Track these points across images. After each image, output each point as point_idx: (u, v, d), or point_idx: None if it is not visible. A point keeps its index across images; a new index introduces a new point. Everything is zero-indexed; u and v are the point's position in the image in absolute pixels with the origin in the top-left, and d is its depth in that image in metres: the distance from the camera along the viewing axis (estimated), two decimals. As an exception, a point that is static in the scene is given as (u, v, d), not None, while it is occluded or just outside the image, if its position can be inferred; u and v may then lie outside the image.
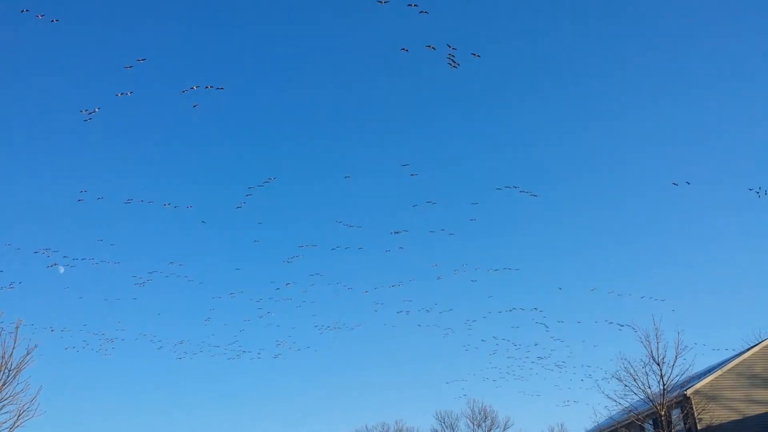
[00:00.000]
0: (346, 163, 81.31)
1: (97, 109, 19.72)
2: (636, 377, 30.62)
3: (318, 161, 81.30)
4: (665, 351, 30.25)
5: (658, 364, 30.17)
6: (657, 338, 30.42)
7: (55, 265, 26.81)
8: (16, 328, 24.74)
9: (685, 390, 29.82)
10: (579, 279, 78.41)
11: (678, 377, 30.30)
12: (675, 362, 29.85)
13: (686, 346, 30.49)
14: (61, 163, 75.90)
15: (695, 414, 29.23)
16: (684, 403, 29.90)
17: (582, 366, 59.60)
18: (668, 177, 75.71)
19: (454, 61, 16.06)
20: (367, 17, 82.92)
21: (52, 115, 67.37)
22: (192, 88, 19.58)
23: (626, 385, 30.93)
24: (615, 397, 31.71)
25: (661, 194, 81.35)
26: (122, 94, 19.69)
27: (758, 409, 30.04)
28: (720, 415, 29.44)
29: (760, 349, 31.83)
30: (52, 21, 18.07)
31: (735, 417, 29.66)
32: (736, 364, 31.22)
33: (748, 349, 32.32)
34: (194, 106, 21.69)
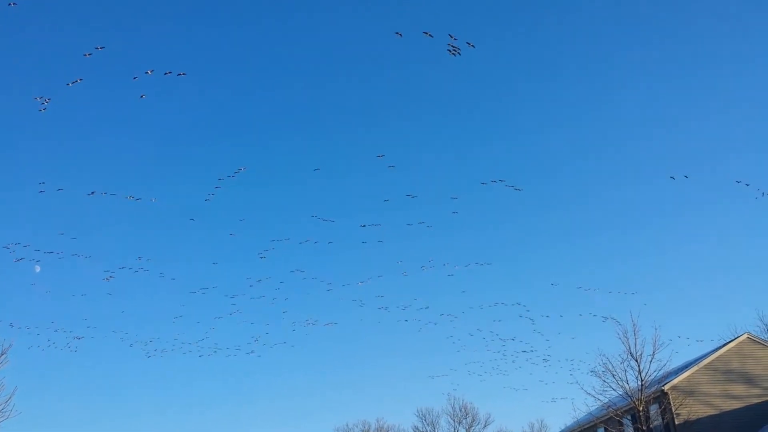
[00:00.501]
0: (320, 154, 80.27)
1: (48, 99, 18.59)
2: (614, 373, 30.87)
3: (291, 154, 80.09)
4: (643, 347, 30.56)
5: (636, 360, 30.44)
6: (635, 334, 30.71)
7: (22, 259, 26.04)
8: None
9: (663, 385, 30.07)
10: (552, 274, 78.77)
11: (656, 373, 30.56)
12: (653, 358, 30.17)
13: (663, 342, 30.78)
14: (17, 154, 73.75)
15: (673, 409, 29.51)
16: (662, 398, 30.16)
17: (567, 360, 59.77)
18: (650, 170, 76.18)
19: (455, 47, 15.59)
20: (343, 5, 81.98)
21: (6, 102, 64.66)
22: (146, 72, 18.00)
23: (605, 381, 31.18)
24: (594, 393, 31.92)
25: (645, 187, 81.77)
26: (73, 82, 18.30)
27: (734, 404, 30.42)
28: (697, 410, 29.76)
29: (736, 345, 32.24)
30: (9, 4, 17.00)
31: (711, 412, 30.00)
32: (713, 360, 31.58)
33: (724, 345, 32.72)
34: (141, 96, 20.79)
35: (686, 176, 25.40)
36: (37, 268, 28.55)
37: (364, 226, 27.28)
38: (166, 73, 17.93)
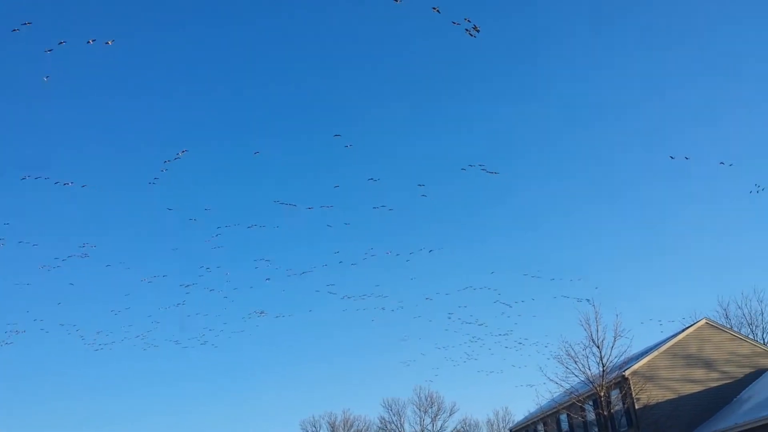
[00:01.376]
0: (260, 133, 77.18)
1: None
2: (576, 359, 30.96)
3: (233, 132, 77.02)
4: (605, 333, 30.70)
5: (598, 347, 30.58)
6: (597, 321, 30.83)
7: None
8: None
9: (624, 371, 30.22)
10: (518, 260, 78.78)
11: (616, 359, 30.75)
12: (614, 344, 30.36)
13: (624, 329, 30.89)
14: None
15: (633, 394, 29.68)
16: (622, 383, 30.32)
17: (540, 344, 59.88)
18: (625, 149, 75.88)
19: (475, 28, 14.69)
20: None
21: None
22: (60, 43, 15.17)
23: (567, 368, 31.24)
24: (557, 380, 31.95)
25: (608, 168, 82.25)
26: None
27: (693, 388, 30.73)
28: (657, 394, 29.98)
29: (695, 330, 32.57)
30: None
31: (671, 396, 30.25)
32: (672, 345, 31.86)
33: (683, 330, 33.06)
34: (45, 78, 18.83)
35: (687, 158, 23.49)
36: None
37: (311, 208, 26.26)
38: (89, 41, 15.32)
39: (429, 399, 73.90)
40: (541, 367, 64.48)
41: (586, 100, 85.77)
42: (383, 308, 34.67)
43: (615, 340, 30.31)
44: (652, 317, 71.30)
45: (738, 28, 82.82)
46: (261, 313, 32.52)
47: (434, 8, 14.65)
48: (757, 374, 31.38)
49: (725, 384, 31.15)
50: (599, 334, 30.57)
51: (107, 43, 15.58)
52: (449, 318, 35.88)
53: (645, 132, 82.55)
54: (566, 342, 37.32)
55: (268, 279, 32.52)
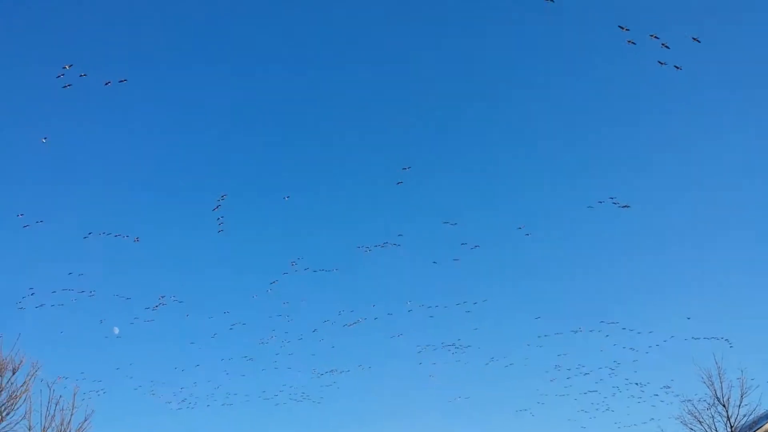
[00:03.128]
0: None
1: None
2: (701, 420, 29.58)
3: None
4: (730, 390, 29.30)
5: (724, 405, 29.18)
6: (720, 377, 29.51)
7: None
8: (74, 394, 24.96)
9: (755, 431, 28.59)
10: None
11: (746, 418, 29.17)
12: (741, 402, 28.90)
13: (751, 385, 29.42)
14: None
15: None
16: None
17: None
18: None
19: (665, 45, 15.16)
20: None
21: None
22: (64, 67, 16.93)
23: (691, 429, 29.88)
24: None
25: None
26: None
27: (834, 449, 28.61)
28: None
29: (830, 385, 30.52)
30: None
31: (810, 458, 28.27)
32: (806, 402, 29.93)
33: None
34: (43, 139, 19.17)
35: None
36: (116, 330, 29.18)
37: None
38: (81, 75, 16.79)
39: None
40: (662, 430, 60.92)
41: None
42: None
43: (742, 398, 28.94)
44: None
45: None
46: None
47: (621, 26, 14.85)
48: None
49: None
50: (724, 391, 29.24)
51: (121, 81, 16.22)
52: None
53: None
54: (689, 400, 35.62)
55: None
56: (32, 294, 26.50)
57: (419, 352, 31.60)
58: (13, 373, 23.35)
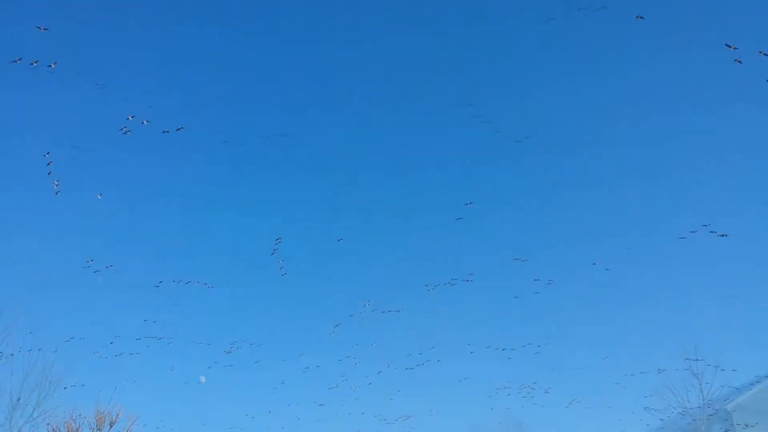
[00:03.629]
0: None
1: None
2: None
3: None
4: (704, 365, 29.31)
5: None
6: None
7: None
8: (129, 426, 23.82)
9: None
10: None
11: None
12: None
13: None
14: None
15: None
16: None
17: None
18: None
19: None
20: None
21: None
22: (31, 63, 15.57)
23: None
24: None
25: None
26: None
27: (805, 425, 28.76)
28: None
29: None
30: None
31: (780, 433, 28.46)
32: (782, 378, 30.04)
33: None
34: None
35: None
36: (202, 379, 29.57)
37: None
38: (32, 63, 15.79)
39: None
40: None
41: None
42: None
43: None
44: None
45: None
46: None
47: (729, 45, 13.90)
48: None
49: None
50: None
51: (143, 122, 16.73)
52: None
53: None
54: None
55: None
56: (111, 343, 27.11)
57: (489, 396, 31.32)
58: (111, 426, 22.76)
